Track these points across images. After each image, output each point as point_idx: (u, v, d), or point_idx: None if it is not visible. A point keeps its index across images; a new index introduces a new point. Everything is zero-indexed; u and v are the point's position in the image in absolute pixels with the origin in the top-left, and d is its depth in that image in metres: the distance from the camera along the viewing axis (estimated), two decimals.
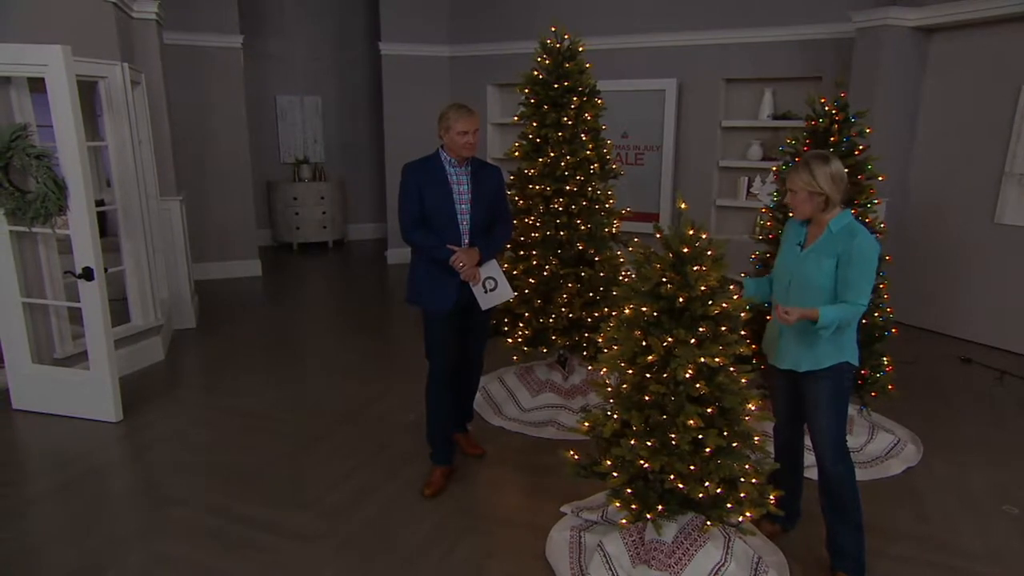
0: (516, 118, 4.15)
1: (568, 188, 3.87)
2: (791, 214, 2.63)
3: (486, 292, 3.23)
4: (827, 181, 2.44)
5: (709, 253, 2.32)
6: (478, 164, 3.24)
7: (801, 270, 2.54)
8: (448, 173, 3.16)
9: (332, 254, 8.98)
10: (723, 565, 2.50)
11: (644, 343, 2.38)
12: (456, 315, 3.26)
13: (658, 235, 2.39)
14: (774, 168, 3.89)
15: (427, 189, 3.13)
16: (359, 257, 8.84)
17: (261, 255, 7.82)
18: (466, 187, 3.18)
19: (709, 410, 2.34)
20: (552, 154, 3.89)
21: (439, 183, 3.14)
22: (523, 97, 4.00)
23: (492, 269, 3.23)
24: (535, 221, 3.96)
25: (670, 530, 2.53)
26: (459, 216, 3.17)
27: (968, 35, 5.24)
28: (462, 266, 3.11)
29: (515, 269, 4.01)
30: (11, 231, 3.88)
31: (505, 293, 3.27)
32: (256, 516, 3.12)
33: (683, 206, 2.39)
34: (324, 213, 9.00)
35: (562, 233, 3.92)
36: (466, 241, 3.19)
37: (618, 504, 2.49)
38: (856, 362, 2.58)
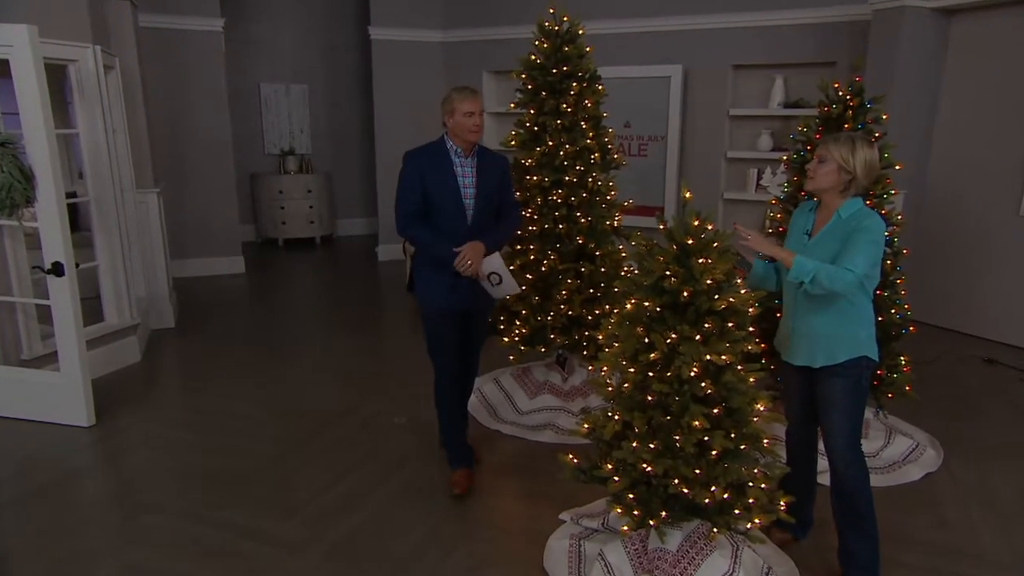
0: (513, 105, 4.14)
1: (567, 179, 3.86)
2: (803, 191, 2.62)
3: (492, 287, 3.22)
4: (863, 165, 2.45)
5: (715, 245, 2.31)
6: (483, 152, 3.21)
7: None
8: (453, 163, 3.12)
9: (320, 250, 8.97)
10: (731, 575, 2.49)
11: (647, 340, 2.36)
12: (460, 315, 3.23)
13: (662, 226, 2.38)
14: (784, 159, 3.88)
15: (431, 178, 3.09)
16: (348, 254, 8.83)
17: (244, 251, 7.81)
18: (471, 178, 3.15)
19: (715, 411, 2.32)
20: (551, 143, 3.87)
21: (444, 172, 3.11)
22: (520, 83, 3.99)
23: (495, 264, 3.16)
24: (533, 214, 3.95)
25: (674, 538, 2.52)
26: (465, 209, 3.13)
27: (991, 16, 5.23)
28: (470, 264, 3.06)
29: (512, 264, 4.00)
30: None
31: (510, 287, 3.23)
32: (237, 523, 3.11)
33: (688, 195, 2.38)
34: (311, 207, 8.99)
35: (561, 226, 3.90)
36: (471, 234, 3.14)
37: (619, 510, 2.48)
38: (876, 357, 2.57)
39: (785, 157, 3.82)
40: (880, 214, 3.37)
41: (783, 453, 3.25)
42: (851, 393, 2.53)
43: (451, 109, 3.06)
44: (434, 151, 3.14)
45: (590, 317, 3.90)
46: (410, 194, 3.11)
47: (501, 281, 3.20)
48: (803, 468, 2.84)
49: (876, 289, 2.71)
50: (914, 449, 3.70)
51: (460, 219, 3.13)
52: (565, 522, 2.94)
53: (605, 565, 2.59)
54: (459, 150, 3.13)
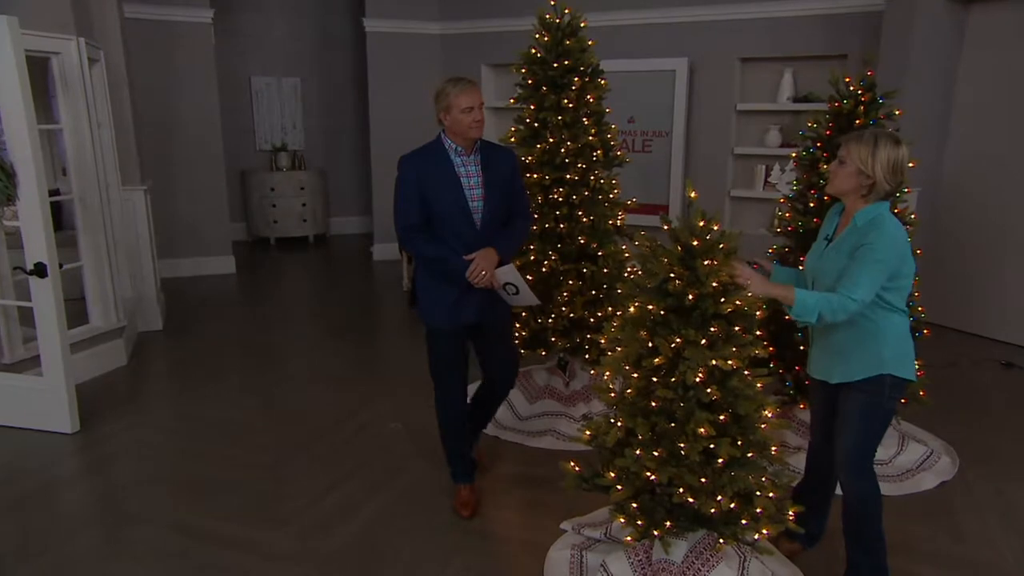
0: (512, 100, 4.14)
1: (569, 177, 3.86)
2: (827, 189, 2.58)
3: (509, 296, 3.11)
4: (884, 167, 2.35)
5: (721, 246, 2.31)
6: (488, 148, 3.08)
7: (821, 267, 2.52)
8: (454, 164, 2.96)
9: (313, 250, 8.98)
10: None
11: (650, 344, 2.36)
12: (469, 328, 3.12)
13: (665, 227, 2.38)
14: (794, 155, 3.89)
15: (431, 183, 2.93)
16: (342, 253, 8.84)
17: (235, 251, 7.81)
18: (476, 179, 2.99)
19: (721, 417, 2.32)
20: (551, 140, 3.87)
21: (445, 175, 2.94)
22: (520, 78, 3.99)
23: (510, 274, 3.02)
24: (533, 213, 3.94)
25: (679, 549, 2.52)
26: (472, 213, 2.97)
27: (1010, 5, 5.23)
28: (484, 274, 2.93)
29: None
30: None
31: (527, 299, 3.10)
32: (227, 534, 3.11)
33: (692, 195, 2.38)
34: (304, 205, 9.00)
35: (562, 226, 3.91)
36: (481, 240, 3.00)
37: (622, 520, 2.48)
38: (906, 375, 2.47)
39: (794, 154, 3.82)
40: (893, 213, 3.37)
41: (792, 461, 3.26)
42: (867, 411, 2.48)
43: (447, 105, 2.89)
44: (431, 153, 2.99)
45: (592, 319, 3.90)
46: (407, 205, 2.94)
47: (517, 292, 3.06)
48: (820, 481, 2.83)
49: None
50: (928, 456, 3.69)
51: (468, 225, 2.97)
52: (566, 532, 2.94)
53: None
54: (459, 148, 2.97)
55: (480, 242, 2.98)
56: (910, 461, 3.65)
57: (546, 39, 3.90)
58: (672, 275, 2.31)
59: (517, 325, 4.02)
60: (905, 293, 2.45)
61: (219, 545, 3.04)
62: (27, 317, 4.11)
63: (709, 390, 2.29)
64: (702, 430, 2.28)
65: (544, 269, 3.90)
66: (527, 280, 3.87)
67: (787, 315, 2.41)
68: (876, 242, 2.33)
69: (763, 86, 6.50)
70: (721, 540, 2.46)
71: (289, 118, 9.24)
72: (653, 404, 2.38)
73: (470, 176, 3.00)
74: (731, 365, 2.28)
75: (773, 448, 2.43)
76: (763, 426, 2.40)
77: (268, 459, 3.76)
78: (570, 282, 3.89)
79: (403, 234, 3.00)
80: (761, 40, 6.29)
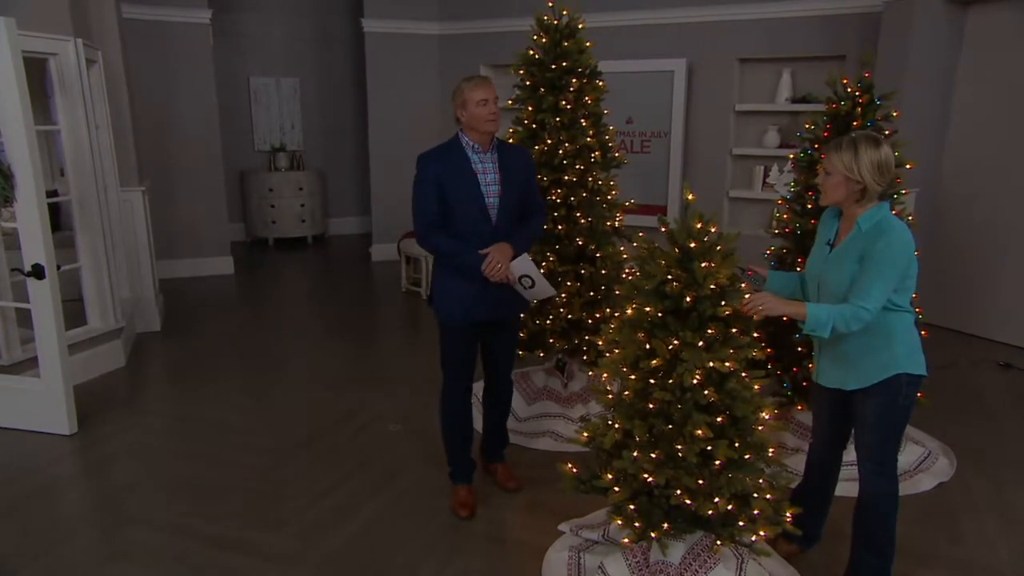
0: (511, 102, 4.15)
1: (567, 178, 3.86)
2: (821, 202, 2.58)
3: (525, 290, 3.13)
4: (870, 168, 2.34)
5: (719, 248, 2.32)
6: (504, 147, 3.14)
7: (826, 271, 2.51)
8: (471, 160, 3.02)
9: (311, 250, 8.98)
10: None
11: (648, 346, 2.37)
12: (482, 326, 3.17)
13: (663, 229, 2.39)
14: (792, 156, 3.90)
15: (448, 180, 2.98)
16: (341, 254, 8.84)
17: (233, 251, 7.82)
18: (493, 175, 3.05)
19: (719, 419, 2.33)
20: (549, 141, 3.88)
21: (462, 172, 3.00)
22: (518, 79, 4.00)
23: (526, 266, 3.04)
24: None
25: (677, 550, 2.53)
26: (488, 208, 3.03)
27: (1009, 6, 5.23)
28: (499, 266, 2.95)
29: None
30: None
31: (544, 290, 3.12)
32: (226, 536, 3.11)
33: (690, 197, 2.38)
34: (303, 206, 9.00)
35: (560, 227, 3.91)
36: (496, 236, 3.04)
37: (620, 522, 2.48)
38: (918, 370, 2.47)
39: (792, 155, 3.83)
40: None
41: (789, 462, 3.26)
42: (885, 413, 2.47)
43: (462, 101, 2.96)
44: (448, 151, 3.05)
45: (590, 321, 3.91)
46: (427, 203, 3.00)
47: (533, 284, 3.09)
48: (821, 483, 2.83)
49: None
50: (926, 458, 3.70)
51: (484, 221, 3.02)
52: (564, 533, 2.95)
53: None
54: (476, 146, 3.02)
55: (496, 238, 3.03)
56: (908, 463, 3.65)
57: (544, 40, 3.91)
58: (670, 277, 2.32)
59: None
60: (911, 293, 2.46)
61: (218, 546, 3.04)
62: (25, 318, 4.12)
63: (706, 392, 2.30)
64: (699, 432, 2.28)
65: (542, 270, 3.90)
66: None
67: (784, 317, 2.41)
68: (887, 248, 2.33)
69: (762, 87, 6.51)
70: (719, 542, 2.47)
71: (288, 118, 9.24)
72: (651, 406, 2.38)
73: (487, 173, 3.05)
74: (728, 367, 2.28)
75: (771, 450, 2.43)
76: (761, 428, 2.41)
77: (267, 460, 3.76)
78: (568, 283, 3.89)
79: (422, 231, 3.05)
80: (760, 41, 6.30)
